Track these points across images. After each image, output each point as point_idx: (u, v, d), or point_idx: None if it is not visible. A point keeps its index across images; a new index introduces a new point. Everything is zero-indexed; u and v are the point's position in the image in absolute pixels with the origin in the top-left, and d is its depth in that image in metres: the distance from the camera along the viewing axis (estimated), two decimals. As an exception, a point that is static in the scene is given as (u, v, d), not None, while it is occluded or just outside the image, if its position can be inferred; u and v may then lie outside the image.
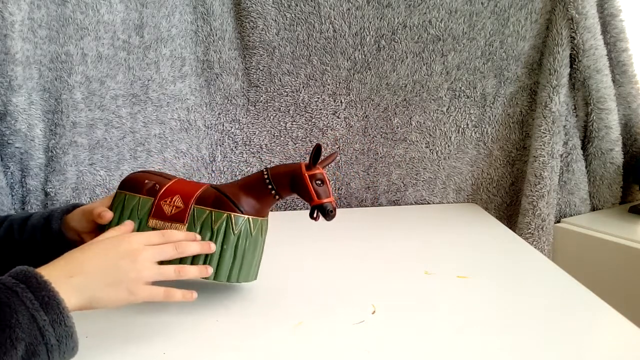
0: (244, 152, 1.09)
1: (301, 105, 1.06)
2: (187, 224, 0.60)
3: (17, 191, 0.91)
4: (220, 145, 1.08)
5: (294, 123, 1.08)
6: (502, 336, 0.55)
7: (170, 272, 0.54)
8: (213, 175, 1.08)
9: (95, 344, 0.52)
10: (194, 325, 0.59)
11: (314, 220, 0.62)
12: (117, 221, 0.62)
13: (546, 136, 0.98)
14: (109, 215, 0.61)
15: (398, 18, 0.99)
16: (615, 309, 0.60)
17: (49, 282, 0.45)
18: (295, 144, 1.09)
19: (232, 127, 1.08)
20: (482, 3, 0.98)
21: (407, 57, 1.02)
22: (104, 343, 0.54)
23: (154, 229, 0.60)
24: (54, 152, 0.92)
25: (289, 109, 1.07)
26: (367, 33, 1.01)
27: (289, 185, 0.62)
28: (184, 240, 0.57)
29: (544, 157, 0.98)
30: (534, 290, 0.67)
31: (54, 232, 0.63)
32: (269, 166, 0.64)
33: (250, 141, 1.08)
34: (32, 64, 0.88)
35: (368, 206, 1.13)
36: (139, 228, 0.61)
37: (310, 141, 1.08)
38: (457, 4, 0.98)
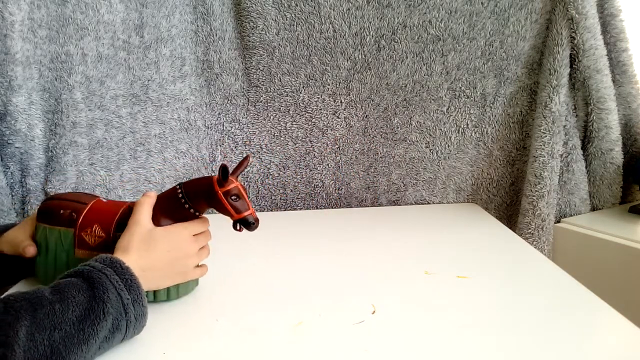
0: (244, 152, 1.09)
1: (301, 105, 1.06)
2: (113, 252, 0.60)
3: (17, 191, 0.91)
4: (220, 145, 1.08)
5: (294, 123, 1.07)
6: (502, 336, 0.55)
7: (204, 255, 0.65)
8: (213, 175, 1.09)
9: (95, 344, 0.52)
10: (194, 325, 0.59)
11: (238, 231, 0.61)
12: (45, 254, 0.64)
13: (546, 136, 0.98)
14: (32, 250, 0.64)
15: (398, 18, 0.99)
16: (615, 309, 0.60)
17: (130, 268, 0.53)
18: (295, 144, 1.09)
19: (232, 127, 1.08)
20: (482, 3, 0.98)
21: (407, 57, 1.02)
22: (104, 343, 0.53)
23: (80, 260, 0.59)
24: (54, 152, 0.92)
25: (289, 109, 1.07)
26: (367, 33, 1.01)
27: (205, 201, 0.61)
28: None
29: (544, 157, 0.98)
30: (534, 290, 0.67)
31: None
32: (183, 181, 0.63)
33: (250, 141, 1.09)
34: (32, 64, 0.88)
35: (368, 206, 1.13)
36: (67, 259, 0.63)
37: (310, 141, 1.08)
38: (457, 4, 0.98)
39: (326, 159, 1.10)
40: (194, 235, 0.63)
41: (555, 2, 0.95)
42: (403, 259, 0.78)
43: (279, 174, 1.10)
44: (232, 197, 0.59)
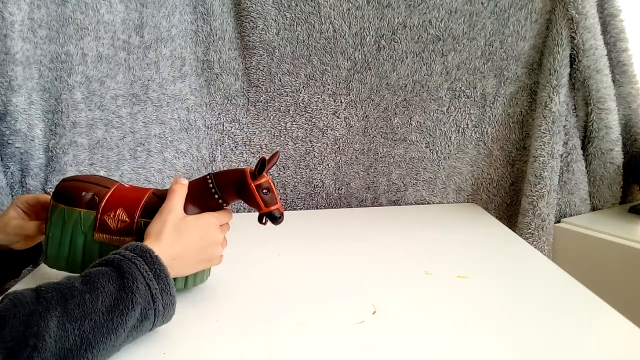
0: (244, 152, 1.09)
1: (301, 105, 1.06)
2: (135, 237, 0.61)
3: (17, 191, 0.91)
4: (220, 145, 1.08)
5: (294, 123, 1.08)
6: (502, 336, 0.55)
7: (225, 245, 0.65)
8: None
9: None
10: (194, 325, 0.59)
11: (262, 225, 0.62)
12: (59, 235, 0.62)
13: (546, 136, 0.98)
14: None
15: (398, 18, 0.99)
16: (615, 309, 0.60)
17: (159, 257, 0.53)
18: (295, 144, 1.09)
19: (232, 127, 1.08)
20: (482, 3, 0.98)
21: (407, 57, 1.02)
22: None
23: (101, 243, 0.61)
24: (54, 152, 0.92)
25: (289, 109, 1.07)
26: (367, 33, 1.01)
27: (235, 192, 0.62)
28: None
29: (544, 157, 0.98)
30: (534, 290, 0.67)
31: None
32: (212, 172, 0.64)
33: (250, 141, 1.09)
34: (32, 64, 0.88)
35: (368, 206, 1.13)
36: (85, 242, 0.62)
37: (310, 141, 1.08)
38: (457, 4, 0.98)
39: (326, 159, 1.10)
40: (222, 227, 0.64)
41: (555, 2, 0.95)
42: (403, 259, 0.78)
43: (279, 174, 1.10)
44: (264, 191, 0.61)
